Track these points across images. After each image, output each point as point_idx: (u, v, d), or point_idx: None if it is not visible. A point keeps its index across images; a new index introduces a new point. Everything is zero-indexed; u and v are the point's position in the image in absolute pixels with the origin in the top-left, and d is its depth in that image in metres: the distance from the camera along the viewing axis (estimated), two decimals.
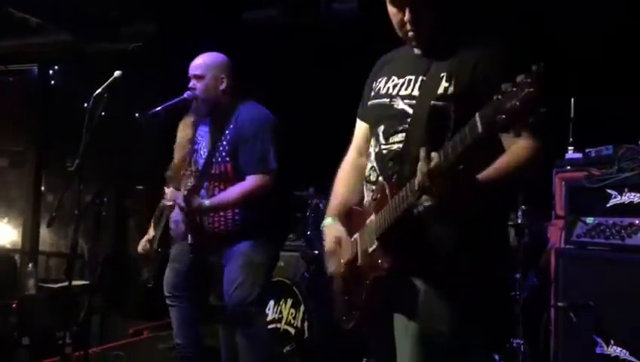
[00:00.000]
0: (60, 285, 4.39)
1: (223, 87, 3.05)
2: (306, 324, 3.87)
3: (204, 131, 3.14)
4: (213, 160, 3.01)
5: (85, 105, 2.88)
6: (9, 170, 6.60)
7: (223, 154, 2.99)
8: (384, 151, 1.83)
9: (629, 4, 3.80)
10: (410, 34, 1.79)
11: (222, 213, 2.98)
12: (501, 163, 1.63)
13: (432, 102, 1.72)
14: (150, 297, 4.93)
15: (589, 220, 2.85)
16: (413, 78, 1.81)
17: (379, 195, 1.80)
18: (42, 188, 6.43)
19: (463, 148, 1.40)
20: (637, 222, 2.66)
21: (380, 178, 1.83)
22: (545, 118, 1.25)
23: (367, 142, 2.00)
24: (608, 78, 3.90)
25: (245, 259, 2.98)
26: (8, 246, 6.16)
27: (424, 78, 1.78)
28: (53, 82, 6.48)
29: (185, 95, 3.03)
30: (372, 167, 1.89)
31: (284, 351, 3.90)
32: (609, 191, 2.79)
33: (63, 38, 5.75)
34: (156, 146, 3.69)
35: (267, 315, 3.91)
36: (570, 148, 3.19)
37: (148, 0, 5.40)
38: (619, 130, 3.10)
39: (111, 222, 6.10)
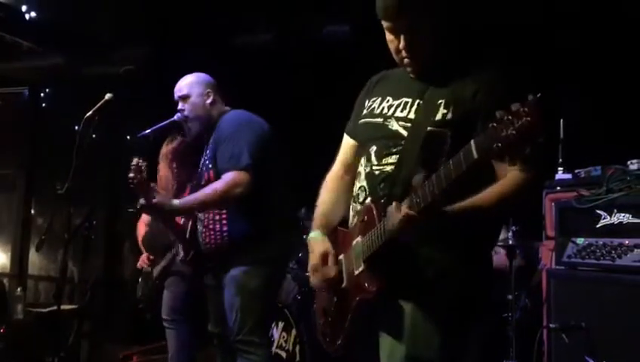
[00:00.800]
0: (48, 309, 4.35)
1: (209, 100, 3.05)
2: (297, 348, 3.83)
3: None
4: (203, 170, 3.01)
5: (76, 127, 2.88)
6: None
7: (207, 161, 2.98)
8: (376, 172, 1.82)
9: (620, 27, 3.87)
10: (406, 60, 1.81)
11: (211, 227, 2.91)
12: (489, 192, 1.65)
13: (430, 127, 1.72)
14: (140, 321, 4.88)
15: (580, 241, 2.86)
16: (410, 100, 1.82)
17: (365, 217, 1.79)
18: (32, 212, 6.39)
19: (455, 175, 1.42)
20: (627, 242, 2.66)
21: (368, 199, 1.83)
22: (540, 149, 1.27)
23: (353, 157, 1.99)
24: (597, 97, 3.95)
25: (239, 285, 2.87)
26: None
27: (421, 102, 1.78)
28: (44, 105, 6.48)
29: (175, 117, 3.05)
30: (361, 186, 1.88)
31: None
32: (598, 211, 2.80)
33: (54, 61, 5.76)
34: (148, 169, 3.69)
35: (271, 341, 3.83)
36: (559, 168, 3.21)
37: (139, 23, 5.43)
38: (609, 151, 3.13)
39: (101, 246, 6.06)
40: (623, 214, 2.71)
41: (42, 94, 6.47)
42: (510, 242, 3.69)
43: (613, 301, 2.64)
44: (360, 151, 1.95)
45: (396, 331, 1.73)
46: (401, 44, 1.77)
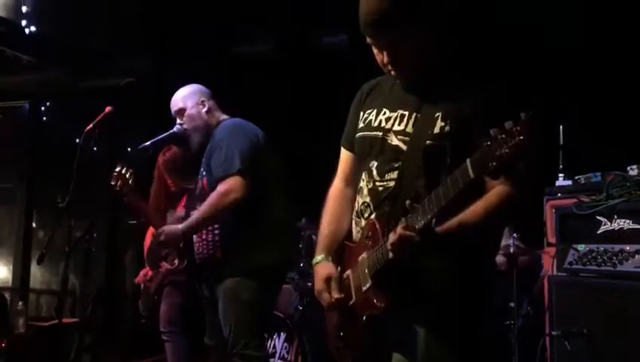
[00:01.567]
0: (50, 323, 4.34)
1: (205, 109, 3.05)
2: (300, 359, 3.82)
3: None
4: (199, 179, 3.00)
5: (77, 140, 2.89)
6: None
7: (202, 169, 2.98)
8: (379, 188, 1.82)
9: (620, 32, 3.88)
10: (392, 73, 1.82)
11: (204, 237, 2.89)
12: (476, 207, 1.66)
13: (429, 141, 1.73)
14: (142, 334, 4.87)
15: (581, 247, 2.86)
16: (406, 113, 1.81)
17: (370, 233, 1.80)
18: (33, 225, 6.39)
19: (454, 193, 1.47)
20: (628, 248, 2.66)
21: (373, 215, 1.82)
22: (529, 164, 1.31)
23: (353, 170, 2.00)
24: (597, 103, 3.96)
25: (232, 297, 2.84)
26: None
27: (418, 115, 1.78)
28: (44, 118, 6.50)
29: (174, 129, 3.06)
30: (364, 203, 1.87)
31: None
32: (599, 218, 2.80)
33: (54, 75, 5.78)
34: (146, 180, 3.69)
35: (267, 352, 3.82)
36: (560, 175, 3.21)
37: (138, 35, 5.45)
38: (608, 156, 3.13)
39: (102, 258, 6.05)
40: (623, 220, 2.71)
41: (43, 108, 6.49)
42: (512, 249, 3.68)
43: (615, 307, 2.64)
44: (360, 165, 1.94)
45: (407, 349, 1.74)
46: (385, 59, 1.78)
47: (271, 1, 4.98)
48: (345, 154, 2.08)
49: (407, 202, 1.61)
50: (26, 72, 5.77)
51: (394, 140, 1.81)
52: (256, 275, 2.84)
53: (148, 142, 3.01)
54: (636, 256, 2.62)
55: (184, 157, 3.38)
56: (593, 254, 2.78)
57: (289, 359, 3.88)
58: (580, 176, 3.08)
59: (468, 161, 1.41)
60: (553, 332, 2.82)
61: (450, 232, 1.63)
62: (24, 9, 5.16)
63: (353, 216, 1.94)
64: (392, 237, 1.62)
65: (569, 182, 3.14)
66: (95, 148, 2.98)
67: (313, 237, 4.22)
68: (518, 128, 1.30)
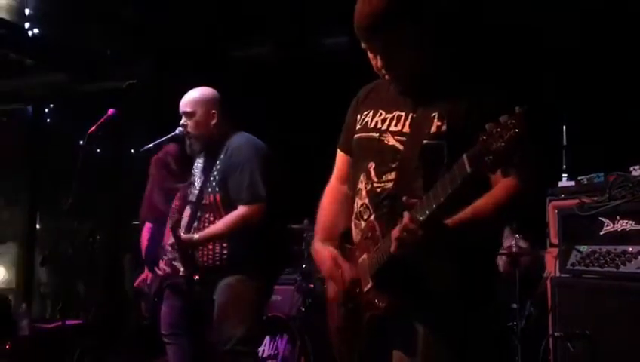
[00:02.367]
0: (53, 325, 4.35)
1: (214, 121, 3.04)
2: (302, 360, 3.82)
3: (199, 163, 3.14)
4: (205, 190, 3.01)
5: (80, 143, 2.90)
6: (3, 208, 6.59)
7: (214, 184, 2.98)
8: (377, 190, 1.81)
9: (622, 32, 3.88)
10: (387, 77, 1.82)
11: (210, 247, 2.93)
12: (484, 202, 1.65)
13: (425, 141, 1.73)
14: (145, 336, 4.87)
15: (583, 248, 2.85)
16: (403, 114, 1.81)
17: (369, 234, 1.80)
18: (37, 227, 6.41)
19: (452, 189, 1.45)
20: (630, 249, 2.65)
21: (372, 217, 1.82)
22: (530, 156, 1.30)
23: (349, 172, 2.00)
24: (600, 103, 3.96)
25: (233, 293, 2.90)
26: (2, 285, 6.11)
27: (414, 116, 1.78)
28: (47, 121, 6.52)
29: (176, 131, 3.06)
30: (364, 204, 1.86)
31: None
32: (601, 219, 2.79)
33: (57, 78, 5.81)
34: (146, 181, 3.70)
35: (259, 354, 3.83)
36: (563, 175, 3.21)
37: (140, 39, 5.47)
38: (611, 157, 3.13)
39: (105, 260, 6.07)
40: (626, 221, 2.70)
41: (46, 110, 6.51)
42: (514, 250, 3.68)
43: (618, 308, 2.63)
44: (357, 166, 1.93)
45: (408, 347, 1.73)
46: (378, 63, 1.78)
47: (271, 3, 4.99)
48: (341, 157, 2.08)
49: (404, 198, 1.60)
50: (29, 75, 5.80)
51: (391, 141, 1.81)
52: (257, 275, 2.93)
53: (150, 144, 3.02)
54: (639, 257, 2.62)
55: (179, 157, 3.38)
56: (596, 255, 2.77)
57: (292, 361, 3.88)
58: (582, 177, 3.07)
59: (465, 156, 1.40)
60: (556, 334, 2.81)
61: (463, 223, 1.61)
62: (27, 12, 5.18)
63: (353, 219, 1.93)
64: (395, 232, 1.60)
65: (572, 183, 3.13)
66: (98, 150, 2.99)
67: None
68: (513, 121, 1.30)
